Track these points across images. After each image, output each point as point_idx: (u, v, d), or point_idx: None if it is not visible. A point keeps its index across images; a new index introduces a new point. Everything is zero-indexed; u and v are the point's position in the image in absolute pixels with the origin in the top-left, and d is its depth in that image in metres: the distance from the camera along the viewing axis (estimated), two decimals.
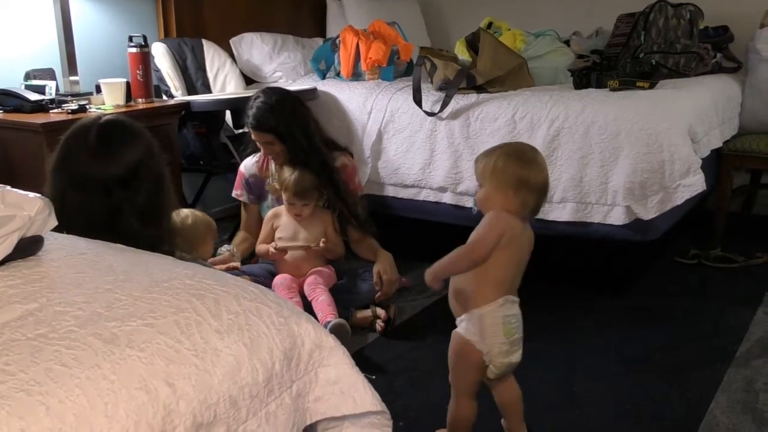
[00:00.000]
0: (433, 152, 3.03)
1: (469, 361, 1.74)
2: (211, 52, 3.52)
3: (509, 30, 3.57)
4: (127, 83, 2.88)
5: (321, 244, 2.59)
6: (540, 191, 1.72)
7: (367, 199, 2.98)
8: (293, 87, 3.27)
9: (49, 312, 0.97)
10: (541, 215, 2.69)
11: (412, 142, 3.08)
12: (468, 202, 2.92)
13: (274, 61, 3.70)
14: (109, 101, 2.82)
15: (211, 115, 3.17)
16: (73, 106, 2.67)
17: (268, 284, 2.52)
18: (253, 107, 2.65)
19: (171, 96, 3.29)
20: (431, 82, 3.19)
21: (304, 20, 4.25)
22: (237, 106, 3.26)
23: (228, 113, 3.30)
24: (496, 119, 2.89)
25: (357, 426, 1.16)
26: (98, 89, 2.91)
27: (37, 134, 2.48)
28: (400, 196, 3.18)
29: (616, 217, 2.68)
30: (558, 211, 2.77)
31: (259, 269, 2.70)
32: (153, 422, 0.86)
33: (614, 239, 2.74)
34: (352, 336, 2.39)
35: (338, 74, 3.53)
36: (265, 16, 3.95)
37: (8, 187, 1.21)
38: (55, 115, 2.60)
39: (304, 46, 3.88)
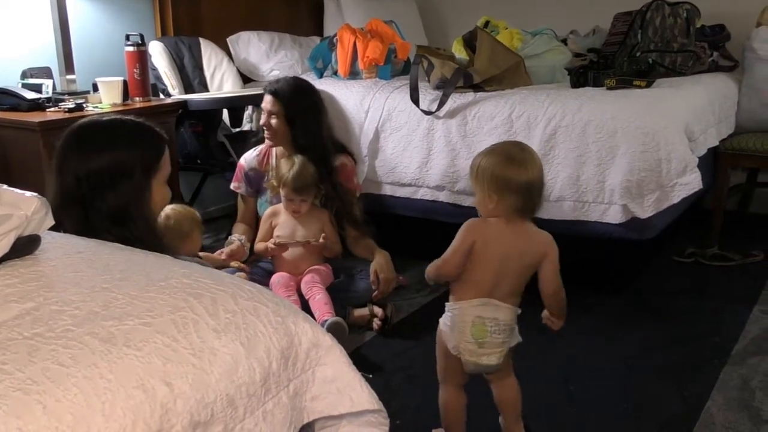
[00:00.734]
0: (431, 151, 3.03)
1: (441, 348, 1.78)
2: (208, 51, 3.52)
3: (506, 29, 3.57)
4: (124, 82, 2.87)
5: (321, 240, 2.59)
6: (523, 191, 1.66)
7: (365, 198, 2.99)
8: None
9: (46, 311, 0.97)
10: (538, 214, 2.71)
11: (409, 140, 3.08)
12: (465, 201, 2.93)
13: (271, 60, 3.69)
14: (106, 100, 2.82)
15: (209, 113, 3.17)
16: (70, 104, 2.66)
17: (265, 283, 2.52)
18: (280, 81, 2.80)
19: (168, 95, 3.29)
20: (428, 81, 3.19)
21: (302, 19, 4.25)
22: (234, 104, 3.27)
23: (225, 112, 3.30)
24: (493, 118, 2.89)
25: (354, 424, 1.16)
26: (95, 88, 2.91)
27: (34, 133, 2.48)
28: (397, 195, 3.18)
29: (613, 216, 2.68)
30: (555, 209, 2.77)
31: (256, 268, 2.71)
32: (150, 421, 0.86)
33: (611, 238, 2.74)
34: (349, 335, 2.39)
35: (335, 73, 3.53)
36: (262, 14, 3.95)
37: (5, 186, 1.20)
38: (51, 114, 2.60)
39: (302, 45, 3.88)
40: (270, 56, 3.70)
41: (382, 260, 2.64)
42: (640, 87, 2.92)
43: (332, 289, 2.57)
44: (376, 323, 2.58)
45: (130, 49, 2.91)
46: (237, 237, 2.71)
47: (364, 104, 3.22)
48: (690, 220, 3.31)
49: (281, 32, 3.87)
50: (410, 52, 3.53)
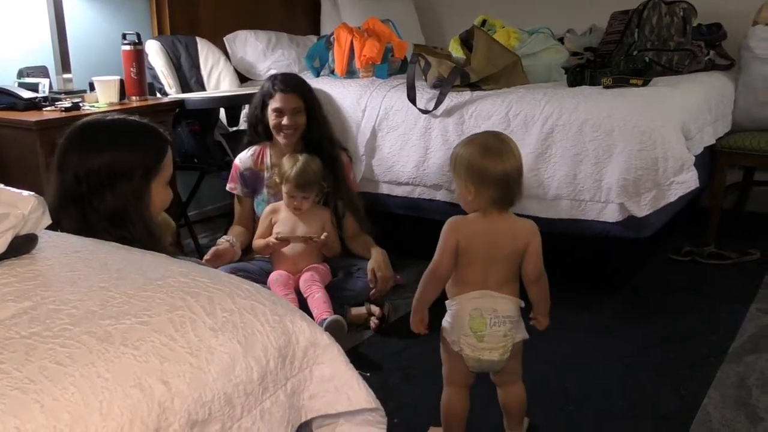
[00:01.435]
0: (428, 150, 3.03)
1: (446, 348, 1.77)
2: (205, 50, 3.52)
3: (503, 28, 3.58)
4: (121, 81, 2.87)
5: (323, 237, 2.59)
6: (500, 182, 1.64)
7: (362, 197, 2.99)
8: None
9: (43, 310, 0.97)
10: (535, 212, 2.72)
11: (406, 139, 3.08)
12: None
13: (268, 59, 3.69)
14: (103, 99, 2.81)
15: (206, 112, 3.16)
16: (67, 103, 2.66)
17: (263, 281, 2.52)
18: (278, 78, 2.77)
19: (165, 94, 3.29)
20: (425, 80, 3.19)
21: (298, 18, 4.25)
22: (231, 103, 3.26)
23: (222, 111, 3.30)
24: (490, 117, 2.89)
25: (352, 423, 1.16)
26: (92, 87, 2.90)
27: (31, 132, 2.47)
28: (394, 194, 3.19)
29: (610, 215, 2.69)
30: (552, 208, 2.78)
31: (254, 266, 2.71)
32: (148, 420, 0.86)
33: (608, 236, 2.74)
34: (347, 333, 2.39)
35: (332, 72, 3.53)
36: (259, 13, 3.94)
37: (2, 186, 1.20)
38: (48, 113, 2.59)
39: (299, 44, 3.88)
40: (267, 55, 3.70)
41: (380, 258, 2.65)
42: (636, 86, 2.92)
43: (330, 288, 2.57)
44: (373, 322, 2.58)
45: (127, 48, 2.91)
46: (225, 238, 2.70)
47: (361, 103, 3.22)
48: (687, 219, 3.32)
49: (278, 31, 3.88)
50: (407, 51, 3.53)
